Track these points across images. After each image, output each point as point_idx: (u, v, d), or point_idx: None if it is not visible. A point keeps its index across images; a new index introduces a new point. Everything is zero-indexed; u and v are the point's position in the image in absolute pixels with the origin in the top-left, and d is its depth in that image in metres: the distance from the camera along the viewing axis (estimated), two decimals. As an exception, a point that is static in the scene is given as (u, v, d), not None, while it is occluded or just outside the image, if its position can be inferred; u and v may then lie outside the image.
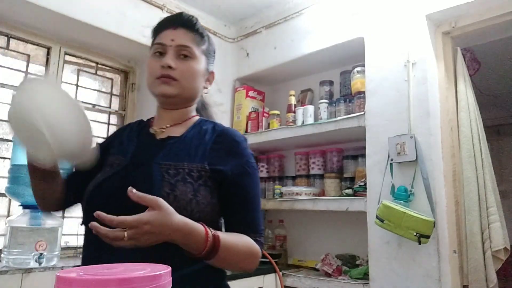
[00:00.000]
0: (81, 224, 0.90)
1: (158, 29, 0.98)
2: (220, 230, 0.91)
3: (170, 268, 0.48)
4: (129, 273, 0.44)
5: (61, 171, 0.96)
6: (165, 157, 0.89)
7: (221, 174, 0.89)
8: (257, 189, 0.95)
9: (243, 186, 0.92)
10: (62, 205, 1.02)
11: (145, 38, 2.29)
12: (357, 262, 2.10)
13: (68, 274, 0.44)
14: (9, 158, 1.90)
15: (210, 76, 1.04)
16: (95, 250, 0.83)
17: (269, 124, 2.50)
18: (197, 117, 1.04)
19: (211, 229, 0.79)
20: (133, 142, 0.97)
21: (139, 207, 0.77)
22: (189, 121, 1.01)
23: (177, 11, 2.41)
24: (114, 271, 0.47)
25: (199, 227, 0.77)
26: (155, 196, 0.75)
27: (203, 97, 1.09)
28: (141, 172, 0.87)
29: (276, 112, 2.50)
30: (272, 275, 2.17)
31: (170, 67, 0.91)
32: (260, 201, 0.96)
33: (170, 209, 0.74)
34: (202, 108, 1.10)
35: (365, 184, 1.96)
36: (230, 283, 0.97)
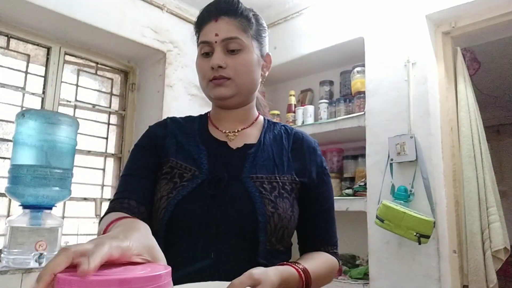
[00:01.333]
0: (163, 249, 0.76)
1: (200, 24, 0.87)
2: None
3: (170, 268, 0.46)
4: (130, 273, 0.43)
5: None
6: (252, 170, 0.80)
7: (307, 185, 0.84)
8: (332, 198, 0.90)
9: (323, 197, 0.87)
10: None
11: (145, 38, 2.29)
12: (357, 262, 2.10)
13: (67, 275, 0.42)
14: (9, 158, 1.90)
15: (266, 61, 0.92)
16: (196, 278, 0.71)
17: (269, 124, 2.50)
18: (262, 117, 0.94)
19: (298, 265, 0.73)
20: (200, 149, 0.84)
21: (244, 230, 0.73)
22: (257, 122, 0.91)
23: (177, 11, 2.42)
24: (114, 271, 0.45)
25: (291, 272, 0.70)
26: (261, 214, 0.72)
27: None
28: (233, 189, 0.77)
29: (276, 112, 2.50)
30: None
31: (220, 67, 0.81)
32: (334, 210, 0.90)
33: (265, 273, 0.63)
34: (258, 105, 0.98)
35: (365, 184, 1.96)
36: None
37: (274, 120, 0.97)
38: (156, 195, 0.80)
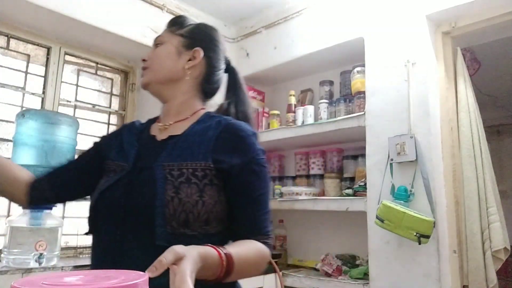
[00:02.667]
0: (87, 233, 0.88)
1: None
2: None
3: (147, 276, 0.42)
4: (100, 283, 0.38)
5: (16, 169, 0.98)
6: (167, 158, 0.85)
7: (226, 172, 0.84)
8: (265, 188, 0.89)
9: (249, 185, 0.86)
10: (31, 201, 0.98)
11: (145, 38, 2.29)
12: (357, 262, 2.10)
13: (27, 284, 0.37)
14: (9, 158, 1.90)
15: (193, 54, 0.97)
16: (104, 262, 0.81)
17: (269, 124, 2.50)
18: (203, 111, 0.97)
19: (221, 249, 0.72)
20: (133, 145, 0.93)
21: (143, 215, 0.78)
22: (194, 116, 0.96)
23: (177, 11, 2.42)
24: (82, 279, 0.40)
25: (211, 252, 0.69)
26: (160, 199, 0.76)
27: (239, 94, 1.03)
28: (144, 176, 0.84)
29: (276, 112, 2.50)
30: (272, 275, 2.16)
31: (144, 60, 0.97)
32: (268, 201, 0.89)
33: (186, 249, 0.64)
34: (238, 105, 1.01)
35: (365, 184, 1.96)
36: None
37: (217, 116, 0.97)
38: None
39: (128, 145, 0.94)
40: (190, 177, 0.81)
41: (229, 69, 1.06)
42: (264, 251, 0.83)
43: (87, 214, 0.87)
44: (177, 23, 1.00)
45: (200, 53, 0.97)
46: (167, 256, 0.60)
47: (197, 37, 1.00)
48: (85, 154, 1.02)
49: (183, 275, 0.58)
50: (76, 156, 1.07)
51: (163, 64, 0.95)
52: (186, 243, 0.70)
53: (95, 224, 0.85)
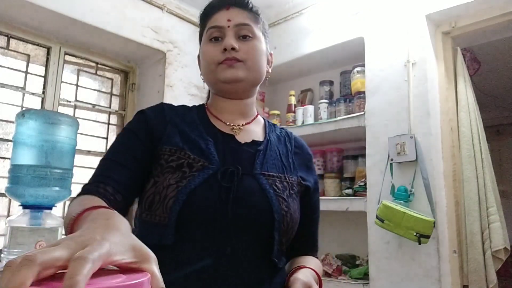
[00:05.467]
0: (163, 242, 0.69)
1: (208, 13, 0.85)
2: None
3: (149, 275, 0.39)
4: (102, 282, 0.35)
5: None
6: (263, 166, 0.78)
7: (307, 190, 0.84)
8: (319, 208, 0.93)
9: (315, 203, 0.89)
10: None
11: (145, 38, 2.29)
12: (357, 262, 2.10)
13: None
14: (9, 158, 1.90)
15: (270, 58, 0.91)
16: (205, 274, 0.68)
17: (269, 124, 2.50)
18: (260, 117, 0.93)
19: (311, 268, 0.77)
20: (206, 139, 0.78)
21: (260, 227, 0.72)
22: (257, 119, 0.89)
23: (177, 11, 2.42)
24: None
25: (313, 274, 0.76)
26: (277, 212, 0.72)
27: None
28: (247, 183, 0.74)
29: (276, 112, 2.50)
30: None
31: (233, 48, 0.78)
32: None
33: (308, 277, 0.70)
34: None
35: (365, 184, 1.96)
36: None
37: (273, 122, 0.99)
38: (158, 184, 0.73)
39: (198, 138, 0.79)
40: (291, 192, 0.78)
41: None
42: (320, 266, 0.88)
43: (165, 217, 0.69)
44: (253, 10, 0.85)
45: (273, 58, 0.94)
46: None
47: (268, 36, 0.92)
48: (134, 143, 0.77)
49: None
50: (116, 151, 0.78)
51: (260, 64, 0.83)
52: (282, 261, 0.77)
53: (184, 230, 0.70)
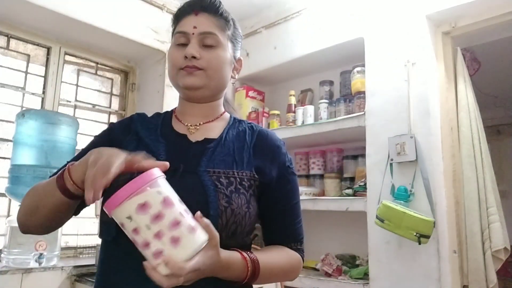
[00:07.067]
0: (107, 238, 0.76)
1: (179, 16, 0.88)
2: (253, 233, 0.86)
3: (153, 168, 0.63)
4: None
5: None
6: (210, 164, 0.80)
7: (266, 183, 0.84)
8: (298, 196, 0.91)
9: (285, 194, 0.87)
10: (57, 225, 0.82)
11: (145, 38, 2.29)
12: (357, 262, 2.10)
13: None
14: (9, 158, 1.90)
15: (237, 64, 0.94)
16: (136, 271, 0.67)
17: (269, 124, 2.50)
18: (228, 114, 0.95)
19: (248, 253, 0.74)
20: (159, 141, 0.84)
21: None
22: (221, 118, 0.92)
23: (177, 11, 2.42)
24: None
25: (237, 258, 0.72)
26: (213, 208, 0.72)
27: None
28: (189, 181, 0.76)
29: (276, 112, 2.50)
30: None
31: (194, 57, 0.81)
32: (300, 208, 0.90)
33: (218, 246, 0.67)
34: (225, 103, 0.98)
35: (365, 184, 1.96)
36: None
37: (240, 119, 0.96)
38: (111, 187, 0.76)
39: (151, 141, 0.84)
40: (239, 187, 0.78)
41: None
42: (294, 258, 0.85)
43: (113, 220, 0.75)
44: (223, 16, 0.88)
45: (242, 63, 0.96)
46: (215, 233, 0.64)
47: (239, 43, 0.95)
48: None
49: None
50: (76, 153, 0.86)
51: (221, 73, 0.86)
52: None
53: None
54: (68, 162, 0.78)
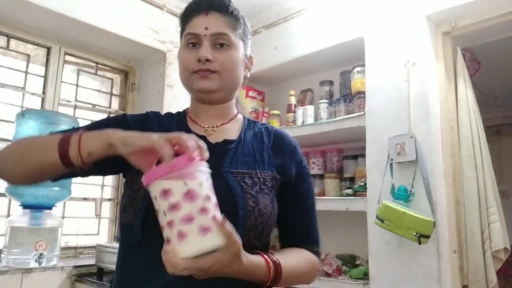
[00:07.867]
0: (131, 241, 0.74)
1: (187, 15, 0.86)
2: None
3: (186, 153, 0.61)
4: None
5: None
6: (233, 165, 0.79)
7: (286, 183, 0.84)
8: (314, 197, 0.91)
9: (302, 194, 0.87)
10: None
11: (145, 38, 2.29)
12: (357, 262, 2.10)
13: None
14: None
15: (249, 62, 0.92)
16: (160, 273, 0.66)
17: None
18: (241, 116, 0.94)
19: (270, 256, 0.73)
20: None
21: None
22: (236, 119, 0.91)
23: (177, 11, 2.41)
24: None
25: (260, 263, 0.71)
26: (242, 208, 0.71)
27: None
28: (214, 182, 0.72)
29: (276, 112, 2.50)
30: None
31: (208, 60, 0.80)
32: (315, 209, 0.90)
33: (242, 250, 0.65)
34: (236, 102, 0.96)
35: (365, 184, 1.96)
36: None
37: (255, 119, 0.96)
38: (131, 188, 0.76)
39: None
40: (263, 187, 0.78)
41: None
42: (313, 261, 0.85)
43: (134, 218, 0.73)
44: (233, 15, 0.86)
45: (253, 61, 0.94)
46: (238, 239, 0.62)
47: (249, 40, 0.93)
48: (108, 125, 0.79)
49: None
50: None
51: (235, 75, 0.84)
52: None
53: (149, 232, 0.71)
54: (74, 128, 0.77)
